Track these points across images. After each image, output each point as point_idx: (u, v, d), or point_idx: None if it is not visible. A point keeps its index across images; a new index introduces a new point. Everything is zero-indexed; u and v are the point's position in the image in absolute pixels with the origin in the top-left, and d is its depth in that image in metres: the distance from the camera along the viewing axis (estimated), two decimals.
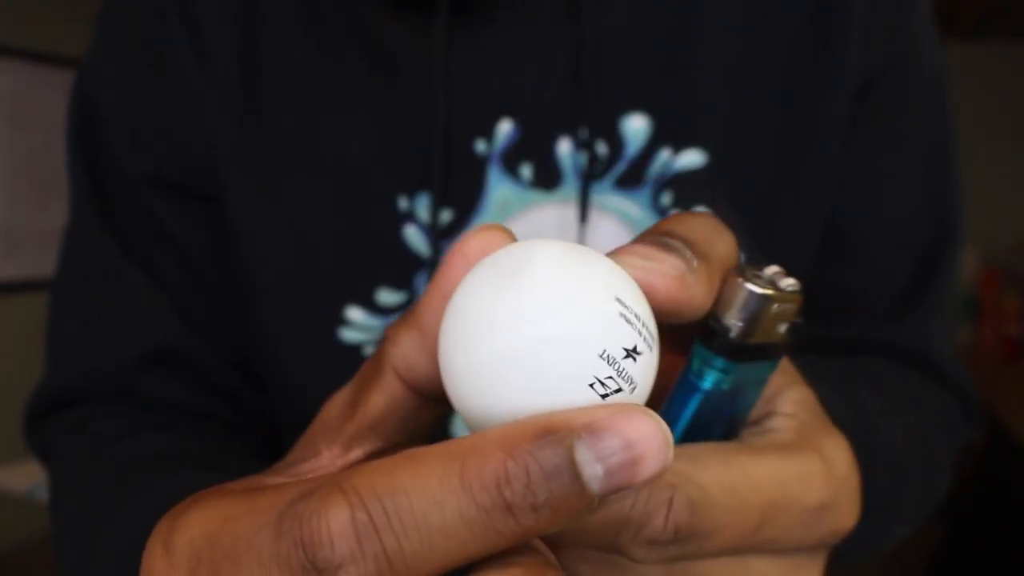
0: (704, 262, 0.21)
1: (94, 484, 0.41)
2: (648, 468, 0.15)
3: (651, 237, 0.21)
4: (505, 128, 0.43)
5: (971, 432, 0.51)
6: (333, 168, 0.44)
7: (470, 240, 0.20)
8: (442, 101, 0.42)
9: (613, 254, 0.20)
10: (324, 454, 0.22)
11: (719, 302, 0.21)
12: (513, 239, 0.20)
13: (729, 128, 0.44)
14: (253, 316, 0.46)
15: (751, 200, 0.45)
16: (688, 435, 0.22)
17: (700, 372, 0.21)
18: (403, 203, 0.44)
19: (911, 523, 0.43)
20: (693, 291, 0.20)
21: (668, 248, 0.20)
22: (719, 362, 0.21)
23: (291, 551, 0.15)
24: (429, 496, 0.15)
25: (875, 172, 0.47)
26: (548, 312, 0.17)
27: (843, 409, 0.35)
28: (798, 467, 0.22)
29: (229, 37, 0.44)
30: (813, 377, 0.27)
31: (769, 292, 0.20)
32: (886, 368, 0.47)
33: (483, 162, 0.43)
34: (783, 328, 0.21)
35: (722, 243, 0.22)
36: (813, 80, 0.44)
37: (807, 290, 0.49)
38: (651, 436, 0.15)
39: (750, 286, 0.20)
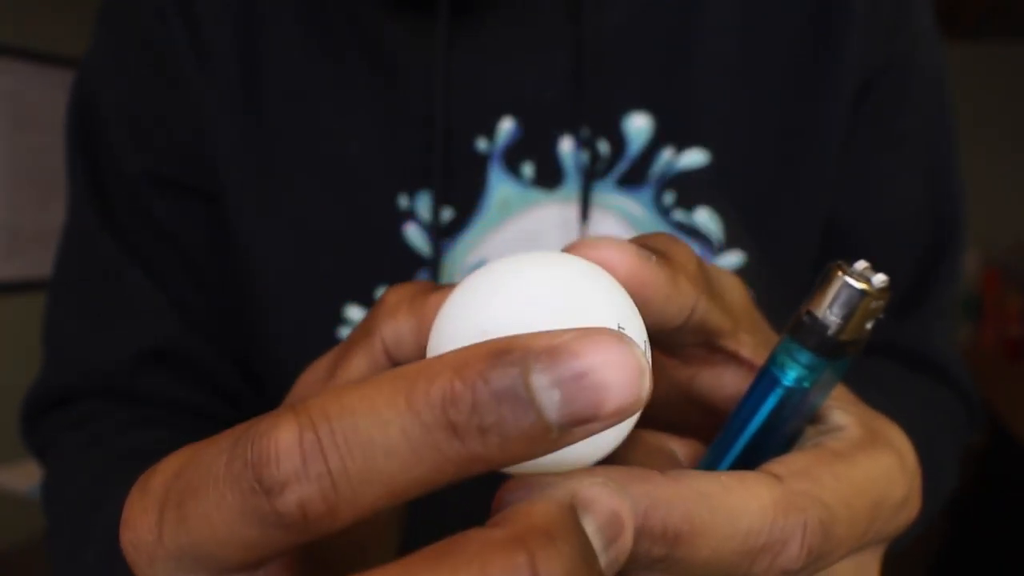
0: (663, 259, 0.21)
1: (91, 474, 0.41)
2: (615, 398, 0.14)
3: (603, 239, 0.21)
4: (506, 127, 0.43)
5: (973, 433, 0.51)
6: (333, 167, 0.44)
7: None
8: (443, 100, 0.42)
9: (567, 248, 0.20)
10: None
11: (813, 297, 0.20)
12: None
13: (730, 127, 0.44)
14: (253, 315, 0.46)
15: (752, 199, 0.45)
16: (761, 434, 0.22)
17: (784, 367, 0.21)
18: (403, 202, 0.43)
19: (917, 525, 0.43)
20: (656, 275, 0.20)
21: (624, 243, 0.21)
22: (808, 358, 0.21)
23: (240, 471, 0.15)
24: (375, 415, 0.14)
25: (876, 172, 0.47)
26: (539, 322, 0.17)
27: None
28: (883, 464, 0.22)
29: (229, 36, 0.44)
30: None
31: (868, 288, 0.20)
32: (889, 368, 0.47)
33: (484, 161, 0.43)
34: (870, 325, 0.20)
35: (680, 250, 0.22)
36: (814, 80, 0.44)
37: (810, 287, 0.49)
38: (620, 363, 0.14)
39: (850, 280, 0.20)
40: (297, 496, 0.14)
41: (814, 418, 0.23)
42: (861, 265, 0.20)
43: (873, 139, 0.47)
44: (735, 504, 0.19)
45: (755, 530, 0.19)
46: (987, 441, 2.24)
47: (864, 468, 0.21)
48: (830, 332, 0.20)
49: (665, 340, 0.23)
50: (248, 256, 0.45)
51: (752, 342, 0.24)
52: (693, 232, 0.44)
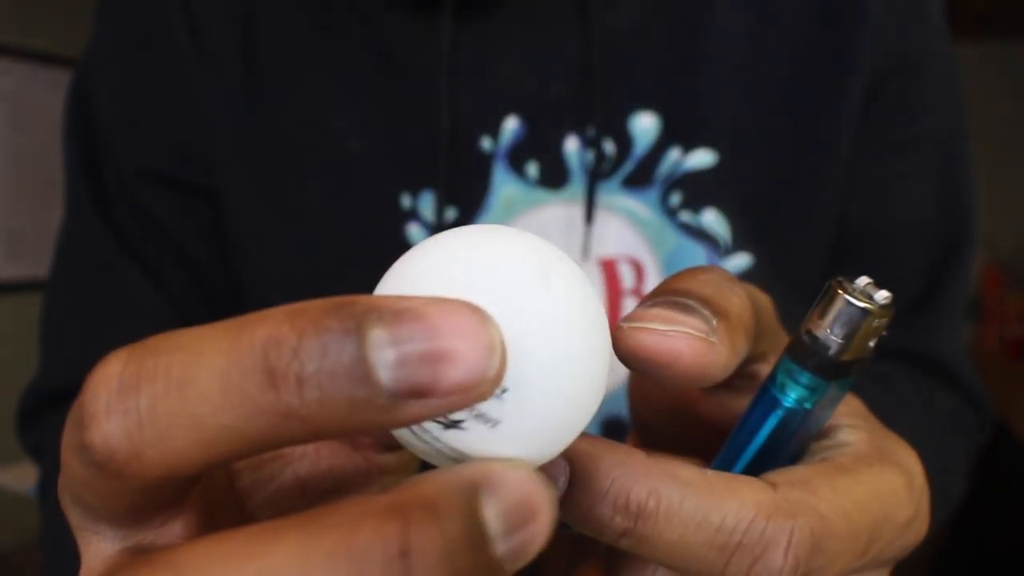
0: (723, 320, 0.20)
1: None
2: (457, 371, 0.12)
3: (666, 298, 0.20)
4: (511, 126, 0.43)
5: (982, 437, 0.50)
6: (335, 165, 0.43)
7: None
8: (447, 98, 0.42)
9: (631, 319, 0.19)
10: None
11: (813, 316, 0.20)
12: None
13: (738, 128, 0.44)
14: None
15: (760, 201, 0.44)
16: (762, 454, 0.21)
17: (784, 388, 0.20)
18: (406, 201, 0.43)
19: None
20: (719, 353, 0.19)
21: (687, 309, 0.19)
22: (808, 379, 0.20)
23: (75, 402, 0.14)
24: (198, 354, 0.13)
25: (888, 174, 0.47)
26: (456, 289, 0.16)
27: None
28: (889, 482, 0.21)
29: (230, 33, 0.44)
30: None
31: (870, 306, 0.19)
32: (898, 372, 0.46)
33: (489, 160, 0.43)
34: (872, 343, 0.20)
35: (735, 297, 0.21)
36: (823, 81, 0.44)
37: (819, 291, 0.48)
38: (469, 336, 0.13)
39: (852, 300, 0.19)
40: (102, 430, 0.13)
41: (820, 433, 0.22)
42: (863, 282, 0.19)
43: (886, 141, 0.46)
44: (711, 496, 0.18)
45: (729, 527, 0.18)
46: (989, 441, 2.24)
47: (868, 484, 0.20)
48: (831, 352, 0.19)
49: None
50: (247, 255, 0.45)
51: (775, 360, 0.23)
52: (700, 233, 0.44)
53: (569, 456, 0.19)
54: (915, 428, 0.41)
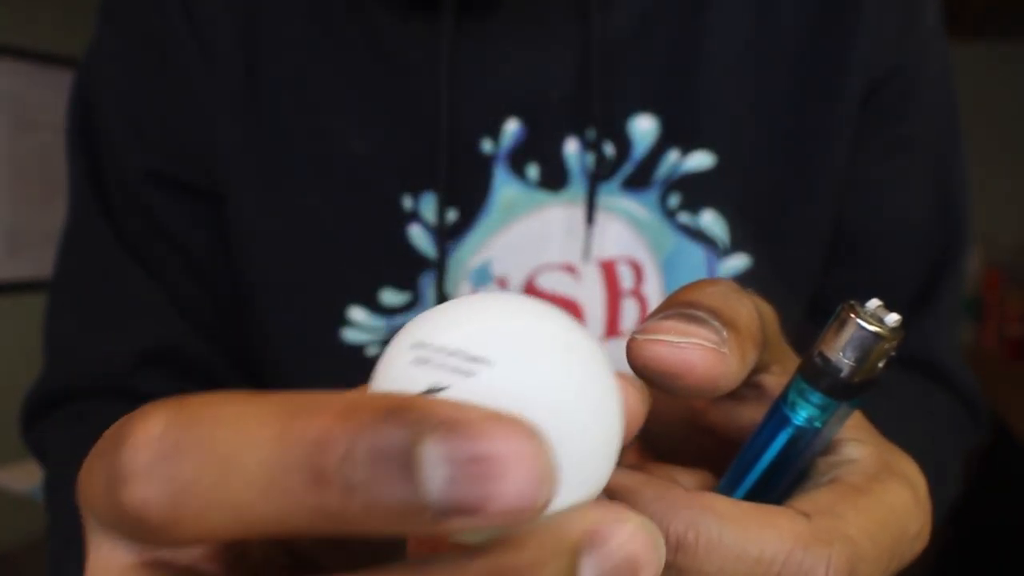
0: (733, 331, 0.20)
1: None
2: (508, 497, 0.12)
3: (676, 310, 0.20)
4: (512, 128, 0.43)
5: (978, 439, 0.50)
6: (337, 166, 0.44)
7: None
8: (448, 100, 0.42)
9: (644, 331, 0.20)
10: None
11: (825, 338, 0.20)
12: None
13: (737, 130, 0.44)
14: (254, 315, 0.46)
15: (758, 202, 0.45)
16: (771, 470, 0.22)
17: (795, 407, 0.21)
18: (407, 202, 0.43)
19: None
20: (730, 363, 0.19)
21: (698, 321, 0.20)
22: (819, 399, 0.20)
23: (108, 446, 0.14)
24: (246, 434, 0.13)
25: (884, 175, 0.47)
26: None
27: None
28: (900, 498, 0.21)
29: (232, 34, 0.44)
30: None
31: (882, 331, 0.19)
32: (895, 375, 0.46)
33: (489, 162, 0.43)
34: (882, 364, 0.20)
35: (743, 308, 0.21)
36: (821, 82, 0.44)
37: (816, 293, 0.48)
38: (526, 461, 0.12)
39: (863, 323, 0.19)
40: (139, 493, 0.13)
41: (826, 449, 0.23)
42: (873, 304, 0.20)
43: (881, 143, 0.47)
44: (749, 528, 0.18)
45: (768, 558, 0.18)
46: (988, 442, 2.24)
47: (885, 503, 0.21)
48: (843, 375, 0.20)
49: None
50: (250, 256, 0.45)
51: (779, 371, 0.24)
52: (698, 234, 0.44)
53: (607, 491, 0.19)
54: (914, 434, 0.41)
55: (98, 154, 0.47)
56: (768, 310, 0.23)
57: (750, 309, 0.21)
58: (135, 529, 0.13)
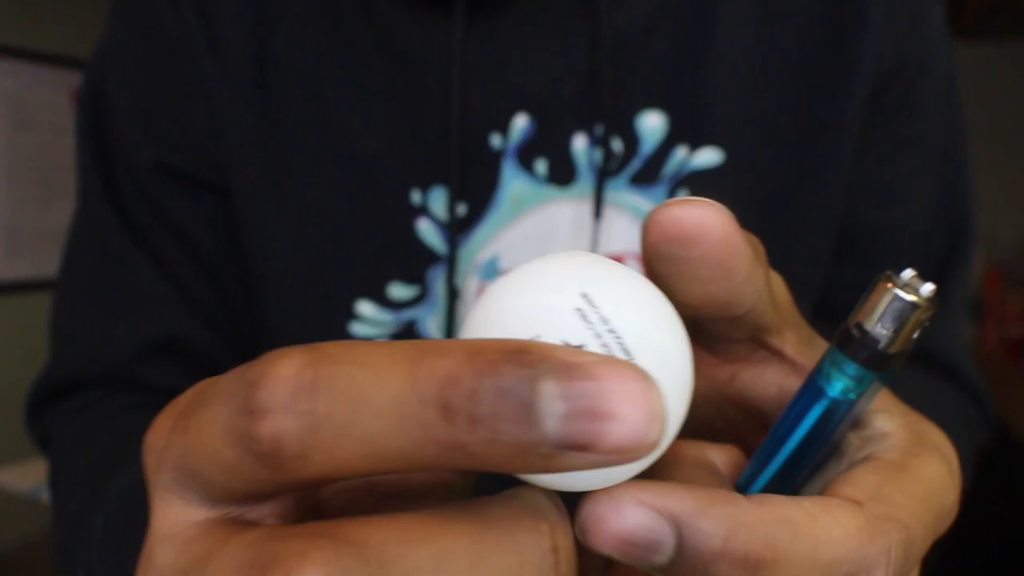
0: (745, 232, 0.20)
1: (98, 451, 0.40)
2: (620, 434, 0.13)
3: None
4: (521, 123, 0.43)
5: (985, 433, 0.50)
6: (346, 161, 0.44)
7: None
8: (459, 95, 0.42)
9: (661, 206, 0.20)
10: None
11: (862, 308, 0.20)
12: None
13: (745, 127, 0.44)
14: (262, 309, 0.46)
15: (765, 199, 0.45)
16: (805, 443, 0.22)
17: (831, 378, 0.21)
18: (416, 197, 0.43)
19: None
20: (745, 246, 0.19)
21: (719, 205, 0.20)
22: (855, 370, 0.20)
23: (238, 388, 0.14)
24: (378, 373, 0.14)
25: (890, 173, 0.48)
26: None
27: None
28: (936, 472, 0.21)
29: (243, 29, 0.44)
30: None
31: (918, 300, 0.19)
32: (904, 369, 0.47)
33: (498, 157, 0.43)
34: (916, 335, 0.20)
35: (749, 234, 0.21)
36: (828, 80, 0.44)
37: (823, 290, 0.48)
38: (636, 401, 0.13)
39: (901, 293, 0.19)
40: (275, 426, 0.14)
41: (857, 423, 0.23)
42: (908, 274, 0.20)
43: (888, 140, 0.47)
44: (818, 532, 0.18)
45: (839, 559, 0.18)
46: (989, 442, 2.24)
47: (924, 479, 0.21)
48: (880, 345, 0.20)
49: (717, 332, 0.23)
50: (259, 250, 0.45)
51: (795, 339, 0.24)
52: None
53: (672, 514, 0.18)
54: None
55: (108, 146, 0.47)
56: (779, 277, 0.24)
57: (755, 238, 0.21)
58: (259, 461, 0.14)
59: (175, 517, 0.16)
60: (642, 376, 0.13)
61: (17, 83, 2.57)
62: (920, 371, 0.48)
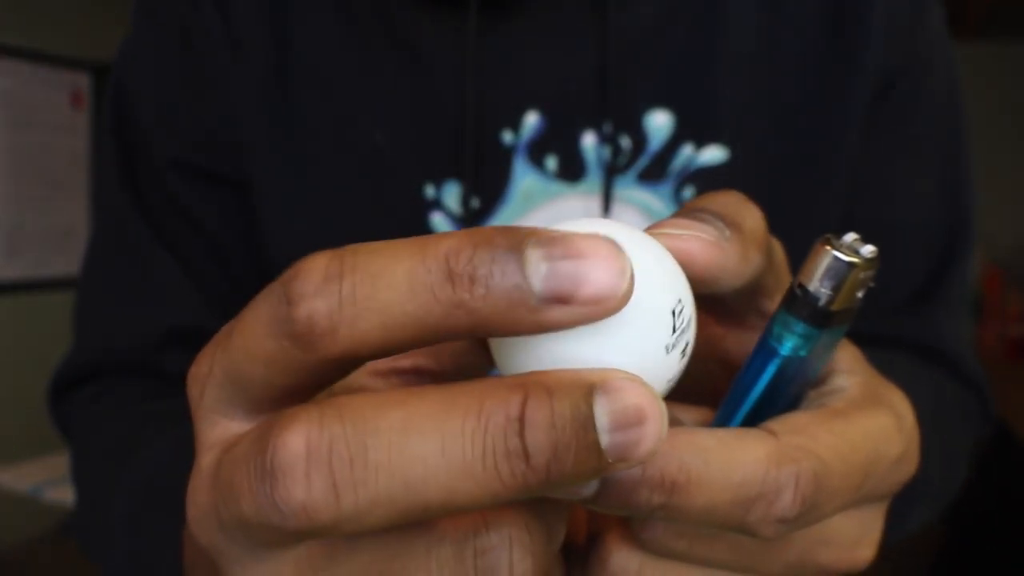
0: (736, 231, 0.21)
1: (119, 432, 0.42)
2: (594, 285, 0.16)
3: (684, 212, 0.22)
4: (532, 120, 0.44)
5: (986, 427, 0.51)
6: (360, 155, 0.44)
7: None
8: (473, 91, 0.43)
9: (650, 228, 0.21)
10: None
11: (804, 270, 0.21)
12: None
13: (750, 125, 0.45)
14: None
15: (770, 197, 0.45)
16: (763, 400, 0.23)
17: (781, 338, 0.22)
18: (430, 191, 0.44)
19: (928, 512, 0.43)
20: (728, 256, 0.21)
21: (701, 219, 0.21)
22: (802, 328, 0.22)
23: (276, 287, 0.17)
24: (393, 256, 0.16)
25: (892, 172, 0.48)
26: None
27: None
28: (879, 423, 0.23)
29: (261, 25, 0.45)
30: None
31: (855, 260, 0.20)
32: (900, 360, 0.47)
33: (509, 152, 0.44)
34: (861, 294, 0.21)
35: (750, 215, 0.23)
36: (833, 80, 0.45)
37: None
38: (607, 260, 0.16)
39: (838, 254, 0.21)
40: (309, 306, 0.16)
41: (818, 381, 0.24)
42: (850, 237, 0.21)
43: (890, 140, 0.48)
44: (730, 457, 0.20)
45: (749, 481, 0.20)
46: (988, 441, 2.24)
47: (860, 425, 0.22)
48: (821, 303, 0.21)
49: (716, 296, 0.24)
50: (274, 243, 0.46)
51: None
52: None
53: None
54: (923, 412, 0.41)
55: (129, 139, 0.48)
56: (779, 245, 0.25)
57: (756, 217, 0.23)
58: (296, 343, 0.16)
59: (220, 433, 0.19)
60: (611, 242, 0.16)
61: (17, 83, 2.57)
62: (924, 363, 0.48)
